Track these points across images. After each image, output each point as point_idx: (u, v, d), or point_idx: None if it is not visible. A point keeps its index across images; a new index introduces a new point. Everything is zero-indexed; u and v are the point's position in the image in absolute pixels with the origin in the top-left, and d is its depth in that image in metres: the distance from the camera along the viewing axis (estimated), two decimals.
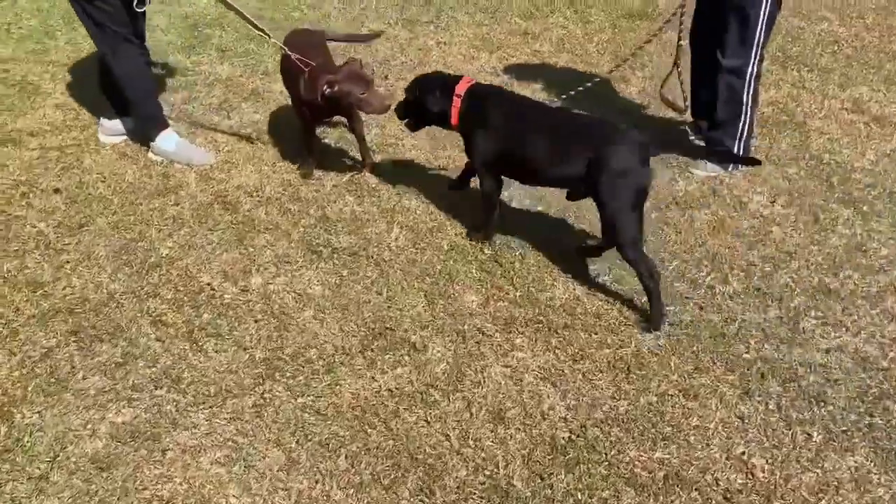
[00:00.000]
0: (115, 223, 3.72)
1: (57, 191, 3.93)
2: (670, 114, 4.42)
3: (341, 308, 3.24)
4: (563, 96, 3.98)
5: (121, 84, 3.99)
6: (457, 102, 3.39)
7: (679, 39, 3.88)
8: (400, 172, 4.13)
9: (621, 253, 3.17)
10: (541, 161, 3.23)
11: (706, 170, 4.12)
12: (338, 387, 2.89)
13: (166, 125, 4.16)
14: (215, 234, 3.68)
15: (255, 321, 3.18)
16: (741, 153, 4.04)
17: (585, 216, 3.73)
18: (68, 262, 3.47)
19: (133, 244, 3.58)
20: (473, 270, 3.45)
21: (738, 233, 3.70)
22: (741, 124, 4.02)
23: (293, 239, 3.65)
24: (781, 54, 5.43)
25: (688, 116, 4.39)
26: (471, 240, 3.62)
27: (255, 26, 3.90)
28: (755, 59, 3.88)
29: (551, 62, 5.40)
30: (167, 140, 4.13)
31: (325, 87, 3.61)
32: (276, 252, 3.57)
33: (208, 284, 3.36)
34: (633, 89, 5.05)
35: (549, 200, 3.88)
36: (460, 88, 3.40)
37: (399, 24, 5.97)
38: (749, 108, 3.99)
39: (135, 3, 3.76)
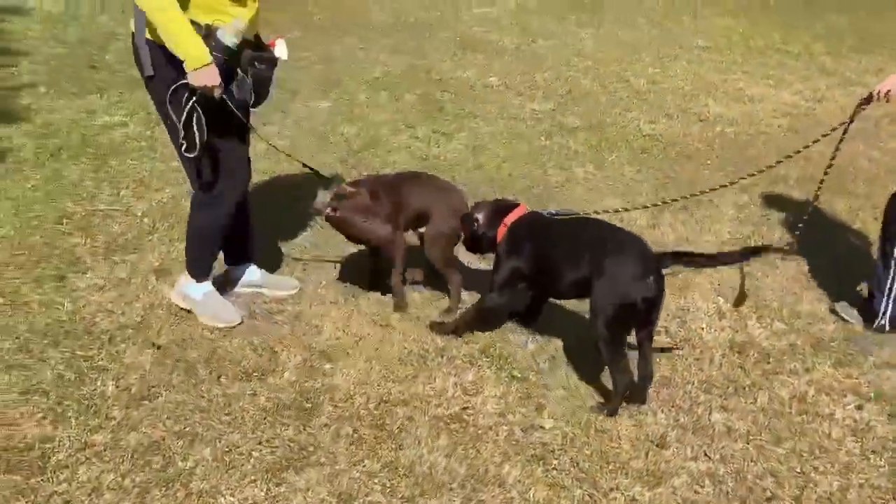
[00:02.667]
0: (176, 405, 3.10)
1: (158, 347, 3.44)
2: None
3: None
4: None
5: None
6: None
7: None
8: None
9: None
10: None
11: (847, 314, 4.02)
12: None
13: (208, 276, 3.68)
14: (259, 453, 2.89)
15: None
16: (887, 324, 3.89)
17: None
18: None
19: (158, 446, 2.91)
20: None
21: None
22: (888, 291, 3.87)
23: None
24: None
25: None
26: None
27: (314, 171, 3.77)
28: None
29: None
30: (201, 288, 3.64)
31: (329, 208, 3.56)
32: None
33: None
34: None
35: None
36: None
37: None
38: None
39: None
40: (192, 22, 3.11)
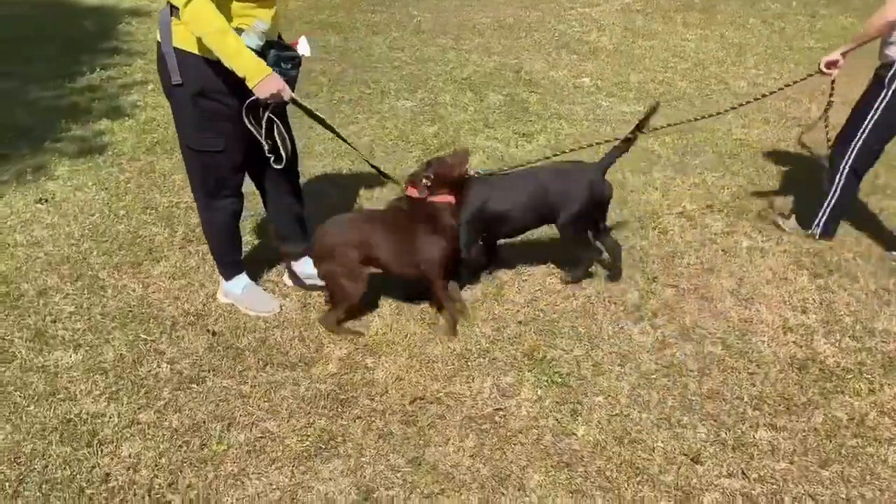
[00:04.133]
0: (221, 390, 3.25)
1: (213, 333, 3.61)
2: None
3: None
4: None
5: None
6: None
7: (830, 95, 4.42)
8: None
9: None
10: None
11: (786, 224, 4.68)
12: None
13: (239, 271, 3.83)
14: (290, 440, 2.99)
15: None
16: (819, 231, 4.53)
17: None
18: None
19: (197, 428, 3.05)
20: None
21: None
22: (826, 205, 4.48)
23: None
24: None
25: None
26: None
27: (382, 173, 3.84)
28: (851, 154, 4.31)
29: None
30: (236, 283, 3.81)
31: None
32: None
33: None
34: None
35: None
36: None
37: None
38: (835, 197, 4.42)
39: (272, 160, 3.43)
40: None
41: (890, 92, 4.12)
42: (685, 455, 2.98)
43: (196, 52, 3.11)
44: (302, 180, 3.88)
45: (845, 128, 4.40)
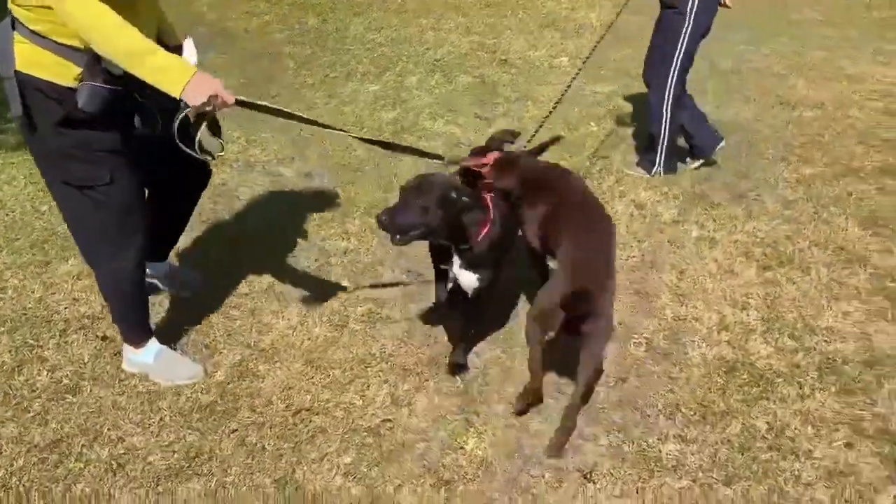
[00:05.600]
0: (95, 401, 3.07)
1: (104, 339, 3.41)
2: None
3: None
4: None
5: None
6: None
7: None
8: None
9: None
10: None
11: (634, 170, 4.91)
12: None
13: (150, 334, 3.17)
14: (154, 457, 2.79)
15: None
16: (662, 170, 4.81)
17: None
18: None
19: (59, 443, 2.87)
20: None
21: None
22: (660, 145, 4.76)
23: None
24: None
25: None
26: None
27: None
28: (669, 88, 4.58)
29: None
30: (147, 351, 3.14)
31: None
32: None
33: None
34: None
35: None
36: None
37: None
38: (666, 133, 4.72)
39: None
40: (71, 48, 2.48)
41: (691, 19, 4.46)
42: (579, 471, 2.74)
43: (48, 77, 2.51)
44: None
45: (654, 68, 4.69)
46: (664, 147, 4.78)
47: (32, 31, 2.49)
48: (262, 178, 4.90)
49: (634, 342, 3.42)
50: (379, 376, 3.20)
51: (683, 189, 4.78)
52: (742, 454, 2.81)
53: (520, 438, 2.89)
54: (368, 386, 3.14)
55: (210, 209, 4.43)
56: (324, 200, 4.56)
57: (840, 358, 3.31)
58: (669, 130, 4.73)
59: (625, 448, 2.85)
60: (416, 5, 9.06)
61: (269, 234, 4.24)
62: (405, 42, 7.76)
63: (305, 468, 2.75)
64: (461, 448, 2.84)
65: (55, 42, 2.49)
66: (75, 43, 2.49)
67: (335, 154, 5.20)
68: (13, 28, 2.52)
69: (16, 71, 2.51)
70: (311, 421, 2.96)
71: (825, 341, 3.42)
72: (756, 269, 3.94)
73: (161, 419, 2.96)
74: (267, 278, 3.80)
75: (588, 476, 2.71)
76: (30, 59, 2.52)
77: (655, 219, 4.41)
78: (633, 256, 4.06)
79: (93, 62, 2.52)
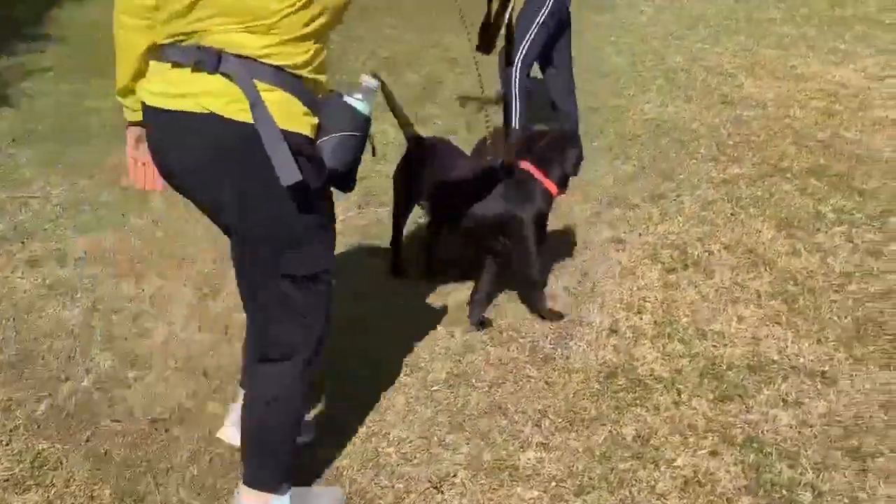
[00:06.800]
0: None
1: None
2: None
3: None
4: None
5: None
6: None
7: None
8: None
9: None
10: None
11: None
12: None
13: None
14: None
15: None
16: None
17: None
18: None
19: None
20: None
21: None
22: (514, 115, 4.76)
23: None
24: None
25: None
26: None
27: None
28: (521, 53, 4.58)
29: None
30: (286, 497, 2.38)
31: None
32: None
33: None
34: None
35: None
36: None
37: None
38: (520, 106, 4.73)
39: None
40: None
41: None
42: (430, 482, 2.67)
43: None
44: None
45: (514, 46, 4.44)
46: (518, 117, 4.78)
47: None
48: None
49: (517, 346, 3.35)
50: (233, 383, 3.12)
51: (605, 189, 4.70)
52: (602, 463, 2.74)
53: (378, 447, 2.82)
54: (239, 392, 3.07)
55: None
56: None
57: (725, 363, 3.24)
58: (524, 101, 4.75)
59: (484, 456, 2.77)
60: (382, 4, 8.97)
61: None
62: (358, 40, 7.69)
63: (150, 480, 2.67)
64: (313, 457, 2.77)
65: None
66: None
67: None
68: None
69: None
70: (169, 430, 2.90)
71: (713, 346, 3.35)
72: (659, 272, 3.87)
73: (16, 426, 2.90)
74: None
75: (438, 487, 2.64)
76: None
77: (569, 219, 4.34)
78: None
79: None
